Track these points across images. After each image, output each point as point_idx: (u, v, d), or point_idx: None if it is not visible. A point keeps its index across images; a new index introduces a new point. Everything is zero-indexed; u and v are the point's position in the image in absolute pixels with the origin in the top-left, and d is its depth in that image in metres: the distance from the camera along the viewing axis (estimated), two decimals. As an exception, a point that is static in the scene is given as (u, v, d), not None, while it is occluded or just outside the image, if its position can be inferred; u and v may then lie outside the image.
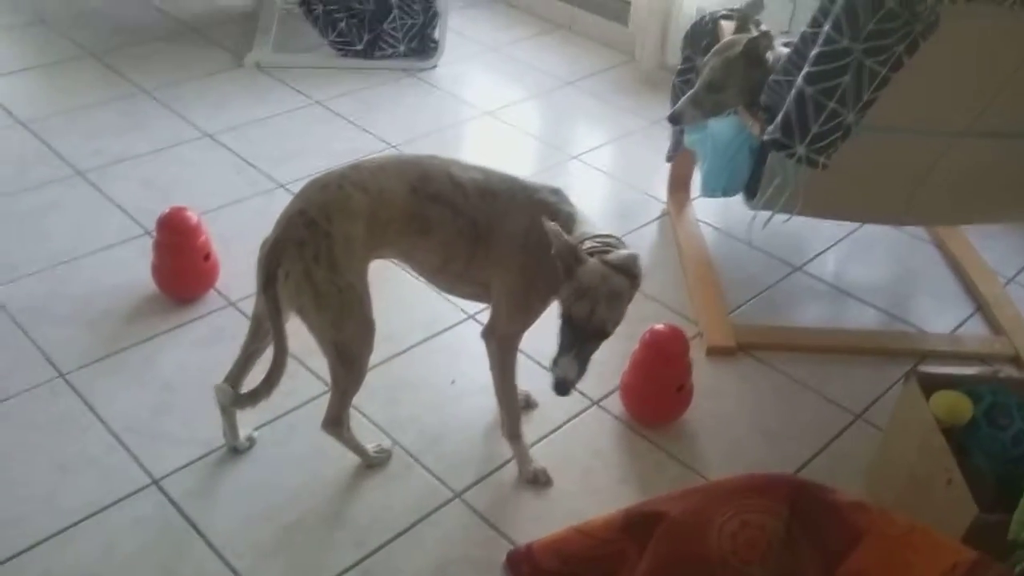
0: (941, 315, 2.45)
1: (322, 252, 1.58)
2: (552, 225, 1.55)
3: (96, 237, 2.50)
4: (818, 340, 2.33)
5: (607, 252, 1.59)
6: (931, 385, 1.77)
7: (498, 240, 1.71)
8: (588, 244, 1.62)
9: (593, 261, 1.56)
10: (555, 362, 1.60)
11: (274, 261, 1.59)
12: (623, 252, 1.58)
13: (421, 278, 1.88)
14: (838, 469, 1.97)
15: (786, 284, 2.53)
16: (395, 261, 1.87)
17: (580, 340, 1.58)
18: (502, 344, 1.82)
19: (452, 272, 1.78)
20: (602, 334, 1.59)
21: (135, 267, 2.36)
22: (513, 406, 1.88)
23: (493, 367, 1.86)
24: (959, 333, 2.40)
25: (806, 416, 2.11)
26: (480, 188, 1.71)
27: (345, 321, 1.65)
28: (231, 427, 1.88)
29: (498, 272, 1.75)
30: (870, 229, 2.72)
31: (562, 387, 1.58)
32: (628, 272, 1.55)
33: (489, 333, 1.83)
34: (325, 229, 1.59)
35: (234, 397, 1.72)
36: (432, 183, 1.69)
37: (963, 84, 1.87)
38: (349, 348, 1.69)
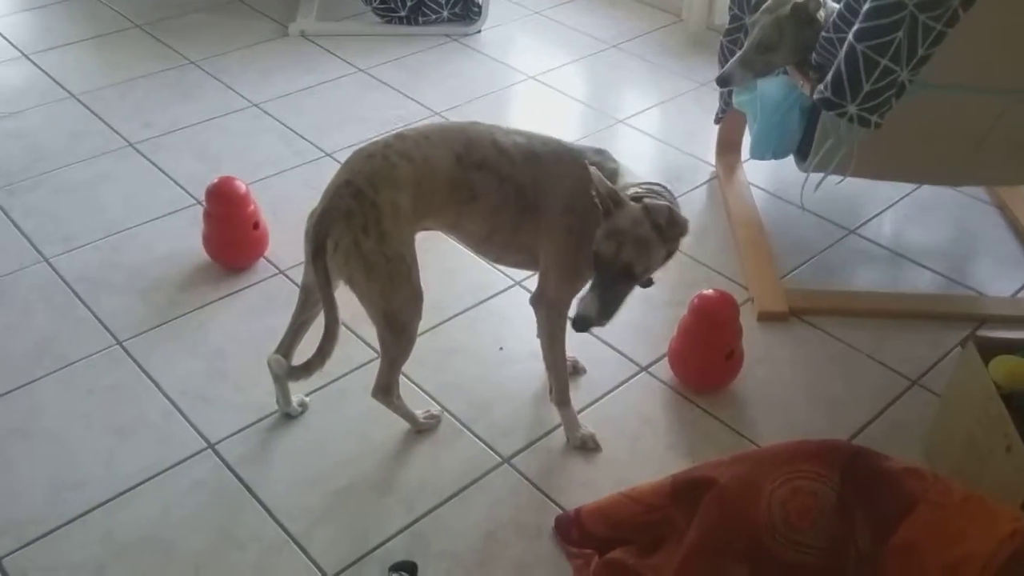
0: (1001, 278, 2.39)
1: (370, 222, 1.58)
2: (593, 169, 1.54)
3: (148, 207, 2.54)
4: (873, 304, 2.28)
5: (652, 199, 1.57)
6: (990, 350, 1.72)
7: (545, 204, 1.70)
8: (633, 190, 1.60)
9: (632, 205, 1.55)
10: (580, 299, 1.59)
11: (323, 232, 1.60)
12: (660, 203, 1.55)
13: (468, 249, 1.87)
14: (894, 436, 1.93)
15: (840, 247, 2.48)
16: (441, 232, 1.86)
17: (607, 280, 1.56)
18: (551, 311, 1.81)
19: (499, 240, 1.76)
20: (630, 276, 1.56)
21: (187, 236, 2.40)
22: (562, 373, 1.87)
23: (541, 334, 1.86)
24: (1020, 296, 2.33)
25: (861, 382, 2.07)
26: (524, 152, 1.70)
27: (394, 290, 1.65)
28: (284, 394, 1.91)
29: (546, 237, 1.73)
30: (928, 190, 2.65)
31: (579, 323, 1.56)
32: (657, 220, 1.53)
33: (538, 300, 1.82)
34: (372, 199, 1.59)
35: (288, 369, 1.74)
36: (477, 150, 1.68)
37: (1021, 40, 1.80)
38: (398, 317, 1.70)
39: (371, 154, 1.64)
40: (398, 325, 1.71)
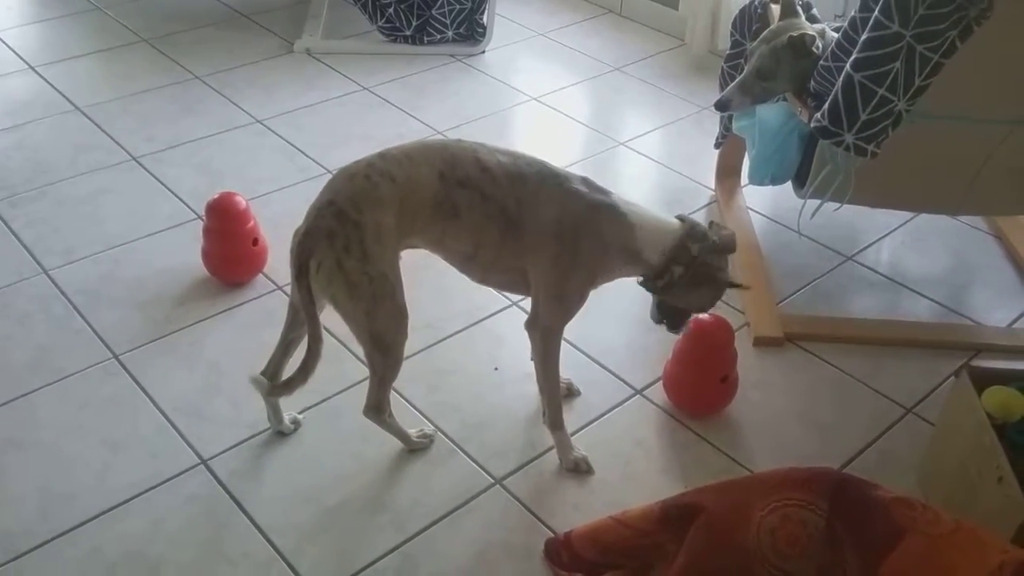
0: (998, 308, 2.39)
1: (352, 242, 1.59)
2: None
3: (149, 221, 2.55)
4: (869, 331, 2.28)
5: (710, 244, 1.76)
6: (983, 380, 1.72)
7: (530, 226, 1.70)
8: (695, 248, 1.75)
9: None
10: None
11: (305, 252, 1.60)
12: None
13: (455, 267, 1.86)
14: (888, 464, 1.93)
15: (837, 274, 2.48)
16: (428, 250, 1.86)
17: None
18: (545, 335, 1.82)
19: (483, 260, 1.76)
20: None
21: (186, 251, 2.41)
22: (556, 396, 1.87)
23: (536, 357, 1.86)
24: (1016, 327, 2.33)
25: (855, 409, 2.07)
26: (508, 172, 1.70)
27: (378, 310, 1.66)
28: (275, 412, 1.91)
29: (532, 260, 1.74)
30: (926, 218, 2.66)
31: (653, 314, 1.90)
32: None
33: (532, 324, 1.83)
34: (355, 219, 1.59)
35: (269, 387, 1.74)
36: (460, 168, 1.68)
37: (1019, 70, 1.81)
38: (383, 336, 1.70)
39: (353, 174, 1.65)
40: (384, 344, 1.71)
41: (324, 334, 1.70)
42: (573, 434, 1.94)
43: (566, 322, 1.81)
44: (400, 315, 1.69)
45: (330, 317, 1.72)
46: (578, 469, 1.89)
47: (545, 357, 1.84)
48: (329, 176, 2.75)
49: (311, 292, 1.62)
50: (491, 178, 1.69)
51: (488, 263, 1.77)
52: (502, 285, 1.90)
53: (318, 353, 1.67)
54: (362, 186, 1.62)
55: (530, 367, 1.91)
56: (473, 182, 1.68)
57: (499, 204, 1.69)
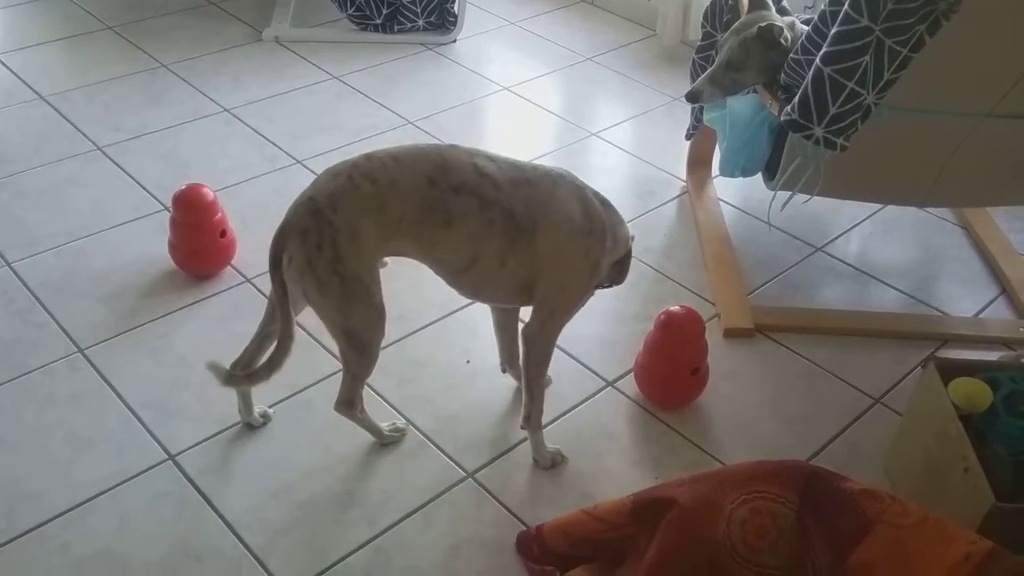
0: (964, 298, 2.42)
1: (325, 241, 1.57)
2: None
3: (114, 212, 2.51)
4: (838, 322, 2.30)
5: None
6: (950, 371, 1.74)
7: (544, 229, 1.67)
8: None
9: None
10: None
11: (279, 246, 1.59)
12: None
13: (446, 282, 1.80)
14: (856, 454, 1.95)
15: (806, 265, 2.50)
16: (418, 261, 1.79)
17: None
18: (548, 341, 1.79)
19: (480, 272, 1.70)
20: None
21: (153, 243, 2.37)
22: (539, 399, 1.84)
23: (530, 363, 1.81)
24: (983, 317, 2.36)
25: (824, 400, 2.09)
26: (512, 177, 1.67)
27: (352, 309, 1.64)
28: (245, 403, 1.89)
29: (551, 266, 1.70)
30: (894, 209, 2.68)
31: None
32: None
33: (536, 333, 1.77)
34: (329, 219, 1.57)
35: (226, 375, 1.70)
36: (454, 174, 1.64)
37: (987, 64, 1.82)
38: (359, 335, 1.68)
39: (337, 173, 1.63)
40: (359, 343, 1.69)
41: (296, 328, 1.68)
42: (545, 427, 1.94)
43: (564, 325, 1.80)
44: (375, 314, 1.67)
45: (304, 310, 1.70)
46: (555, 464, 1.88)
47: (541, 362, 1.81)
48: (298, 166, 2.76)
49: (284, 286, 1.61)
50: (491, 183, 1.65)
51: (486, 276, 1.71)
52: (495, 299, 1.84)
53: (287, 350, 1.65)
54: (343, 186, 1.60)
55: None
56: (469, 187, 1.63)
57: (504, 209, 1.65)
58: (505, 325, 1.98)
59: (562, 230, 1.69)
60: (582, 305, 1.81)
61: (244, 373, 1.70)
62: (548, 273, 1.71)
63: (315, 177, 1.67)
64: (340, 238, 1.58)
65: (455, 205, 1.63)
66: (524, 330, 1.79)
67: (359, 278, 1.62)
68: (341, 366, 1.77)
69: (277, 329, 1.78)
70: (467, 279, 1.73)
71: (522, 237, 1.67)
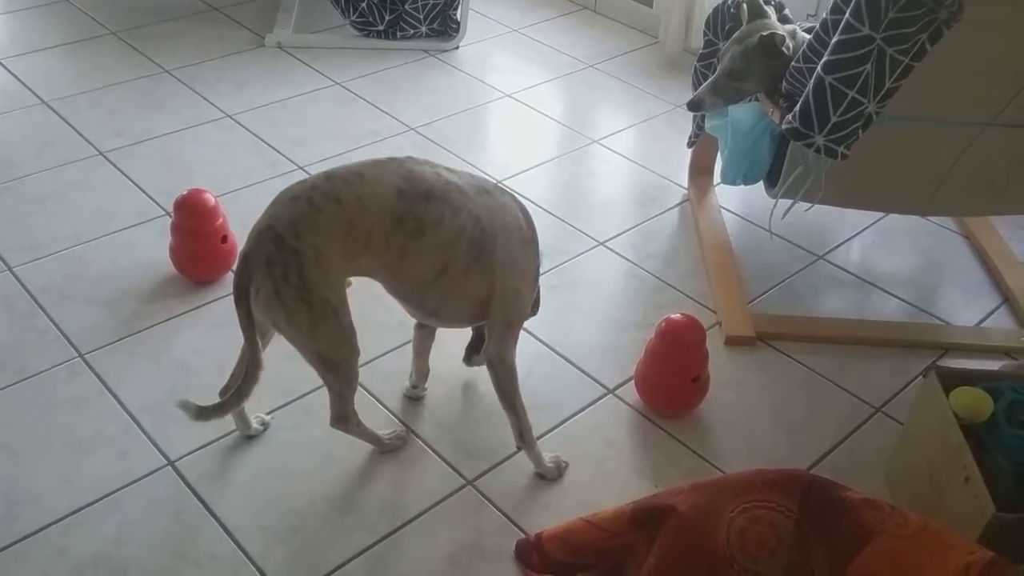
0: (966, 307, 2.41)
1: (291, 270, 1.53)
2: None
3: (116, 218, 2.51)
4: (839, 331, 2.30)
5: None
6: (951, 380, 1.74)
7: (501, 239, 1.68)
8: None
9: None
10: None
11: (245, 277, 1.55)
12: None
13: (405, 304, 1.78)
14: (857, 463, 1.94)
15: (808, 273, 2.50)
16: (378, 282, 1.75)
17: None
18: (510, 358, 1.77)
19: (446, 284, 1.67)
20: None
21: (154, 248, 2.37)
22: (523, 416, 1.82)
23: (501, 386, 1.79)
24: (984, 326, 2.35)
25: (825, 409, 2.08)
26: (473, 185, 1.68)
27: (321, 333, 1.60)
28: (241, 418, 1.89)
29: (507, 274, 1.70)
30: (896, 218, 2.68)
31: None
32: None
33: (497, 351, 1.75)
34: (293, 246, 1.53)
35: (197, 411, 1.65)
36: (422, 182, 1.61)
37: (989, 73, 1.82)
38: (331, 357, 1.66)
39: (295, 196, 1.57)
40: (333, 364, 1.67)
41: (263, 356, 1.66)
42: (545, 434, 1.94)
43: (516, 341, 1.79)
44: (345, 335, 1.63)
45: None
46: (560, 472, 1.87)
47: (511, 381, 1.79)
48: (300, 172, 2.76)
49: (251, 316, 1.58)
50: (457, 189, 1.64)
51: (452, 287, 1.68)
52: (452, 317, 1.78)
53: (255, 378, 1.62)
54: (303, 210, 1.54)
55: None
56: (438, 193, 1.61)
57: (472, 214, 1.64)
58: (422, 350, 2.00)
59: (514, 237, 1.70)
60: (527, 318, 1.83)
61: (213, 406, 1.66)
62: (503, 281, 1.71)
63: (272, 200, 1.61)
64: (306, 264, 1.53)
65: (426, 212, 1.60)
66: (486, 354, 1.77)
67: (327, 301, 1.58)
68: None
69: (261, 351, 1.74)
70: (433, 292, 1.69)
71: (487, 244, 1.67)
